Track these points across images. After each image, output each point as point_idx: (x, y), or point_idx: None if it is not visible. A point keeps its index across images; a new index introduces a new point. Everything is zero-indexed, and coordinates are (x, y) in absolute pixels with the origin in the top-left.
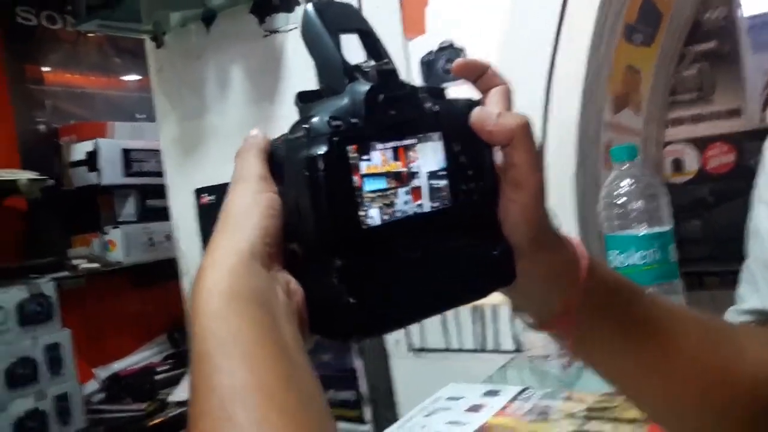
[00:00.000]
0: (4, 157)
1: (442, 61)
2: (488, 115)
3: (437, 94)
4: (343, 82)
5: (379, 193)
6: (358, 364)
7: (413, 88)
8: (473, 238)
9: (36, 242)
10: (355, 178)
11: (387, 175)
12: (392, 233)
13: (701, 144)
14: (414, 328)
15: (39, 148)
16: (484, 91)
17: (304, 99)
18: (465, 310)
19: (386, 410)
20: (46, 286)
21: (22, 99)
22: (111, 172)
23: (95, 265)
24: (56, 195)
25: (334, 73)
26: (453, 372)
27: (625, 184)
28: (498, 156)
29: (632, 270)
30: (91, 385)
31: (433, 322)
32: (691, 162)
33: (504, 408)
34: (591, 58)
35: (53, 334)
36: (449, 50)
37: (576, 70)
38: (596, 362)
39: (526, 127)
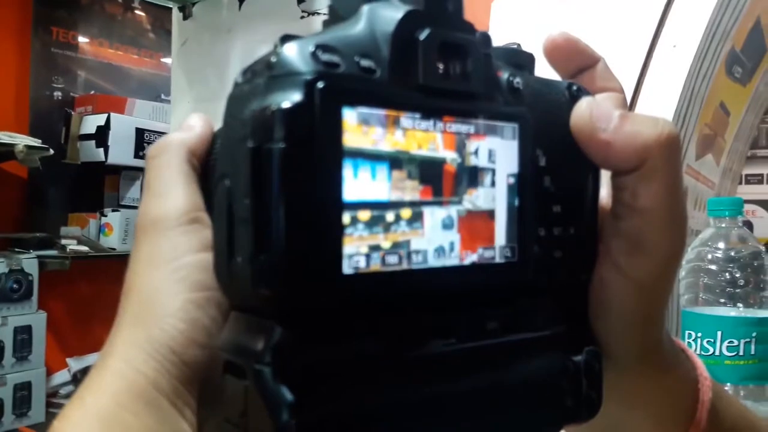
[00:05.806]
0: (10, 120)
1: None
2: (605, 113)
3: (520, 60)
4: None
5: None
6: None
7: (485, 37)
8: (536, 327)
9: (32, 214)
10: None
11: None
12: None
13: None
14: None
15: (51, 116)
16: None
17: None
18: None
19: None
20: (29, 262)
21: (44, 62)
22: (120, 151)
23: (84, 248)
24: (59, 167)
25: None
26: None
27: (722, 246)
28: (605, 188)
29: (712, 362)
30: (61, 376)
31: None
32: (764, 227)
33: None
34: (687, 84)
35: (27, 315)
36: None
37: (667, 97)
38: None
39: (671, 145)
